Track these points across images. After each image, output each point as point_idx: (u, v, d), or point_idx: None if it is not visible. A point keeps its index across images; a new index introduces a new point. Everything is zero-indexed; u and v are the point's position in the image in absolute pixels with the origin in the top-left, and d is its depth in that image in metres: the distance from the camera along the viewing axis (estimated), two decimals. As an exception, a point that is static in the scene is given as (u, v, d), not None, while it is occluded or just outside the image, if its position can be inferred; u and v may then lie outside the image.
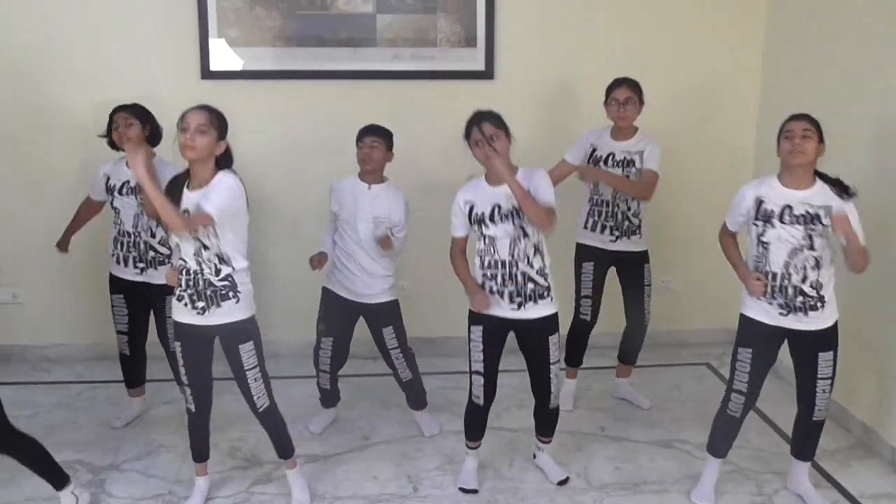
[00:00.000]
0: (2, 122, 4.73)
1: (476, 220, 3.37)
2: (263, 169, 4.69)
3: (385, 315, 3.94)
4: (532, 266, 3.34)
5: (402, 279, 4.45)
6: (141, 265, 3.96)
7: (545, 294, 3.38)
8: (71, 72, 4.70)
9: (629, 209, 4.12)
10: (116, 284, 4.05)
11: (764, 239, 3.24)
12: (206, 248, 3.12)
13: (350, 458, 3.86)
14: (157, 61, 4.73)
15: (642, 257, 4.23)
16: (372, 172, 3.81)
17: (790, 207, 3.18)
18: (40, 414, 4.29)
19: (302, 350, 4.48)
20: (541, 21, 4.87)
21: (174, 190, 3.15)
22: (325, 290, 3.99)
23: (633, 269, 4.23)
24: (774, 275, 3.24)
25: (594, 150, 4.15)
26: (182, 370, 3.29)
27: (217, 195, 3.06)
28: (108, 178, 3.98)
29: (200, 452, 3.46)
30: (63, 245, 4.17)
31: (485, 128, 3.27)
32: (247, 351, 3.25)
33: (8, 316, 4.95)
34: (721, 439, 3.49)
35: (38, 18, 4.65)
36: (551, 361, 3.44)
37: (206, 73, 4.73)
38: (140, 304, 4.07)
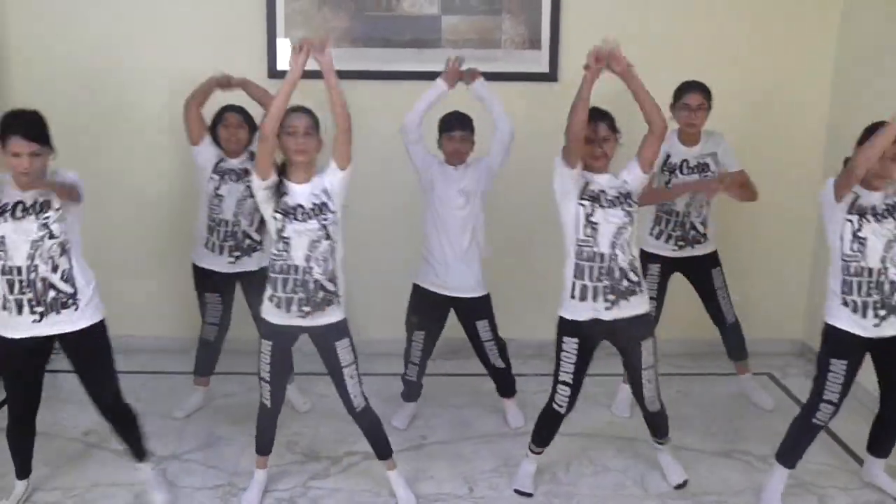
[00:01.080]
0: (74, 121, 4.83)
1: (590, 196, 3.28)
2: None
3: (479, 309, 4.02)
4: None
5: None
6: (237, 254, 4.03)
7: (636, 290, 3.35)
8: (140, 71, 4.81)
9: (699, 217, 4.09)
10: (211, 280, 4.11)
11: (861, 234, 3.22)
12: (317, 245, 3.18)
13: (406, 457, 3.87)
14: (225, 61, 4.78)
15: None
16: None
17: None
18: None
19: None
20: (606, 23, 4.80)
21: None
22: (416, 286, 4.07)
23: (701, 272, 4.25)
24: (871, 270, 3.21)
25: (668, 157, 4.11)
26: (267, 368, 3.34)
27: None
28: (220, 161, 4.03)
29: (266, 446, 3.52)
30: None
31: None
32: (343, 348, 3.31)
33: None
34: (798, 449, 3.45)
35: (107, 19, 4.78)
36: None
37: (273, 73, 4.80)
38: (231, 295, 4.16)
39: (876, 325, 3.25)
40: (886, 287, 3.22)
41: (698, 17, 4.82)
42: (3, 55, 4.79)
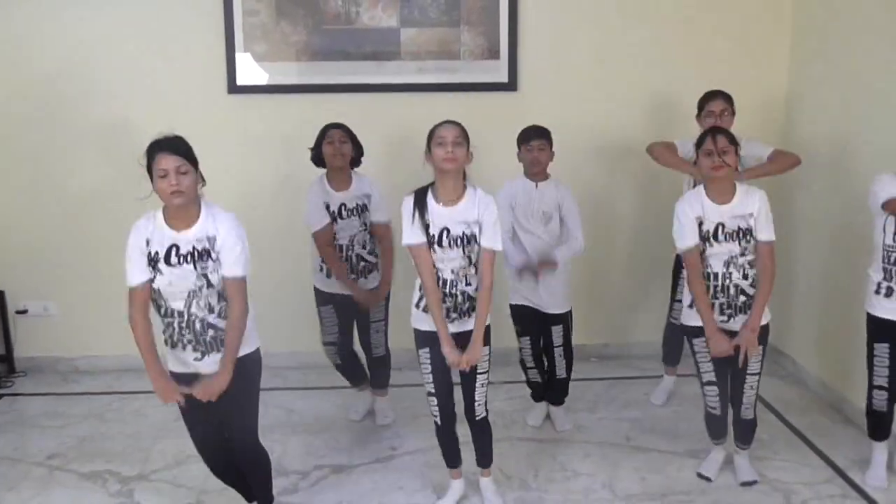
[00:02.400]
0: (32, 139, 4.82)
1: (703, 237, 3.40)
2: (298, 182, 4.71)
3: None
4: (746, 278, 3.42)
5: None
6: (353, 276, 4.07)
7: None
8: (99, 88, 4.78)
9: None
10: (323, 297, 4.16)
11: None
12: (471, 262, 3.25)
13: (377, 468, 3.87)
14: (184, 76, 4.79)
15: None
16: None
17: None
18: (71, 424, 4.34)
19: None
20: (563, 32, 4.88)
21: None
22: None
23: None
24: None
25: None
26: (430, 378, 3.36)
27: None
28: (329, 206, 4.03)
29: (454, 460, 3.53)
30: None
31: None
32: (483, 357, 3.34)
33: (40, 328, 5.03)
34: (880, 426, 3.64)
35: (65, 35, 4.74)
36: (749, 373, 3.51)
37: (233, 88, 4.79)
38: (348, 313, 4.18)
39: None
40: None
41: (660, 20, 4.87)
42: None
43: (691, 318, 3.51)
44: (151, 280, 2.93)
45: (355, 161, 4.08)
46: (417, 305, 3.31)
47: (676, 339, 4.35)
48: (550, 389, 4.25)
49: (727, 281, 3.40)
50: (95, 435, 4.22)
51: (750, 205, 3.37)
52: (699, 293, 3.41)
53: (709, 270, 3.42)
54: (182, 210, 2.91)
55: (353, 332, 4.28)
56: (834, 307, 4.47)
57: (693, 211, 3.39)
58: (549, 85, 4.89)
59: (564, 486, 3.70)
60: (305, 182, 4.07)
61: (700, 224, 3.39)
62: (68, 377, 5.01)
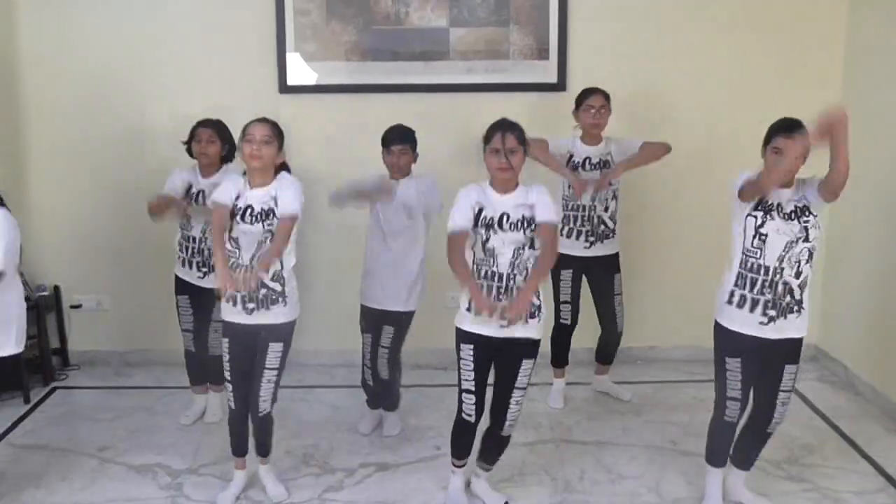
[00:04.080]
0: (88, 135, 4.91)
1: (484, 224, 3.23)
2: (337, 181, 4.76)
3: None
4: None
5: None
6: (204, 270, 4.11)
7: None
8: (154, 86, 4.86)
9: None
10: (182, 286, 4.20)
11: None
12: None
13: (421, 467, 3.88)
14: (236, 76, 4.85)
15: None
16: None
17: None
18: (122, 417, 4.43)
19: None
20: (613, 32, 4.85)
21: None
22: None
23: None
24: None
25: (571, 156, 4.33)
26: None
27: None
28: (190, 186, 4.09)
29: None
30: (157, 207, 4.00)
31: (507, 139, 3.19)
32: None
33: (94, 322, 5.13)
34: None
35: (119, 34, 4.83)
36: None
37: (284, 88, 4.84)
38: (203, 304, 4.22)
39: None
40: None
41: (706, 20, 4.82)
42: (16, 72, 4.85)
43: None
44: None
45: (227, 158, 4.09)
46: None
47: (563, 341, 4.49)
48: None
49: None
50: (146, 428, 4.29)
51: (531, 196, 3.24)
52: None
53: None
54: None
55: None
56: (887, 311, 4.38)
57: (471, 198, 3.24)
58: (598, 85, 4.83)
59: (610, 490, 3.67)
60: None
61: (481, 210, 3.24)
62: (120, 371, 5.10)
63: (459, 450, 3.50)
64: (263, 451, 3.60)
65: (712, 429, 3.48)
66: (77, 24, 4.82)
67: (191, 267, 4.12)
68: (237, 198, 3.33)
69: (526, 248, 3.20)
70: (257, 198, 3.33)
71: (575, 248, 4.31)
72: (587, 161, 4.30)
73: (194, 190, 4.07)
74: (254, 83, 4.86)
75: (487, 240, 3.20)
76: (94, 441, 4.14)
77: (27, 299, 4.74)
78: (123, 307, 5.12)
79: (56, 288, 5.06)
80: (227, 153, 4.08)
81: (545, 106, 4.80)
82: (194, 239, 4.09)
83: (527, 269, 3.20)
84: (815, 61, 4.88)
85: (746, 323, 3.25)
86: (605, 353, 4.62)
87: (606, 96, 4.29)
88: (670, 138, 4.26)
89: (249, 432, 3.55)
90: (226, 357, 3.45)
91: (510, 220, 3.19)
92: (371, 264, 3.98)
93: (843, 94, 4.82)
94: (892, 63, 4.38)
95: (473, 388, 3.33)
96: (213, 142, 4.04)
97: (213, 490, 3.66)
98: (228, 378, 3.46)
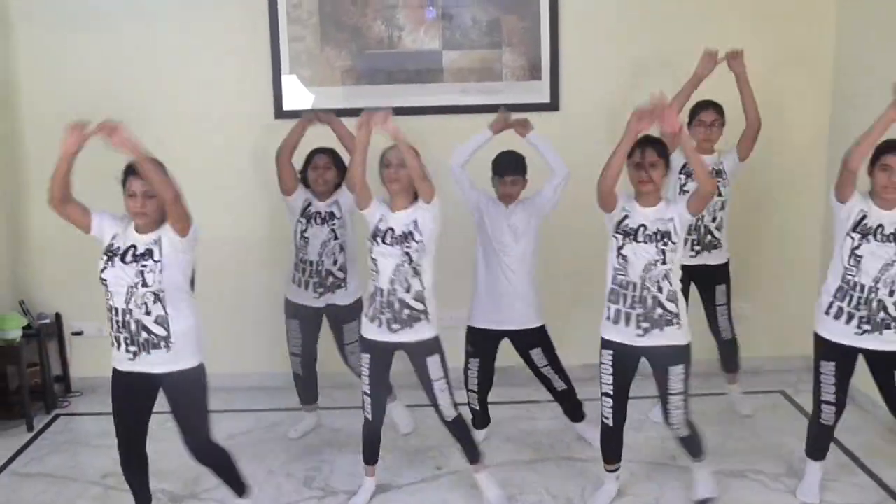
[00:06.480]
0: (84, 160, 4.89)
1: (622, 231, 3.37)
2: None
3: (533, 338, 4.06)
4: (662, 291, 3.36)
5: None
6: (320, 290, 4.22)
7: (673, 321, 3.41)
8: (148, 111, 4.86)
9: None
10: (293, 308, 4.32)
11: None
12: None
13: (423, 487, 3.90)
14: (232, 101, 4.89)
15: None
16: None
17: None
18: (124, 444, 4.43)
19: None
20: (604, 52, 4.90)
21: None
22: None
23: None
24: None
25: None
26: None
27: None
28: (310, 204, 4.21)
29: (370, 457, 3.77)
30: None
31: (648, 154, 3.31)
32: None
33: (95, 349, 5.13)
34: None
35: (113, 59, 4.87)
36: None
37: (280, 113, 4.88)
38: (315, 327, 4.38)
39: None
40: None
41: (696, 38, 4.85)
42: (13, 100, 4.91)
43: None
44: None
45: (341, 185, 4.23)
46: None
47: None
48: (561, 406, 4.24)
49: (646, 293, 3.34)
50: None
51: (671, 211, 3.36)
52: None
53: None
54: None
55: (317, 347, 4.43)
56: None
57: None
58: (590, 104, 4.90)
59: (610, 506, 3.69)
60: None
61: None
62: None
63: (605, 454, 3.64)
64: (472, 456, 3.69)
65: (810, 430, 3.66)
66: (67, 51, 4.87)
67: (307, 288, 4.22)
68: (379, 220, 3.45)
69: (659, 263, 3.31)
70: (399, 220, 3.43)
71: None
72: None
73: (312, 210, 4.20)
74: (249, 108, 4.90)
75: (622, 246, 3.33)
76: (98, 468, 4.16)
77: (28, 327, 4.79)
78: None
79: (57, 315, 5.09)
80: (340, 179, 4.21)
81: (539, 126, 4.81)
82: (311, 262, 4.20)
83: (659, 284, 3.31)
84: (806, 73, 4.93)
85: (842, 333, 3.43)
86: (723, 362, 4.63)
87: (719, 110, 4.29)
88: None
89: (380, 443, 3.72)
90: (365, 372, 3.55)
91: (646, 232, 3.31)
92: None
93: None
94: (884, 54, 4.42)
95: (612, 393, 3.47)
96: (329, 168, 4.17)
97: (216, 514, 3.68)
98: (367, 392, 3.56)
